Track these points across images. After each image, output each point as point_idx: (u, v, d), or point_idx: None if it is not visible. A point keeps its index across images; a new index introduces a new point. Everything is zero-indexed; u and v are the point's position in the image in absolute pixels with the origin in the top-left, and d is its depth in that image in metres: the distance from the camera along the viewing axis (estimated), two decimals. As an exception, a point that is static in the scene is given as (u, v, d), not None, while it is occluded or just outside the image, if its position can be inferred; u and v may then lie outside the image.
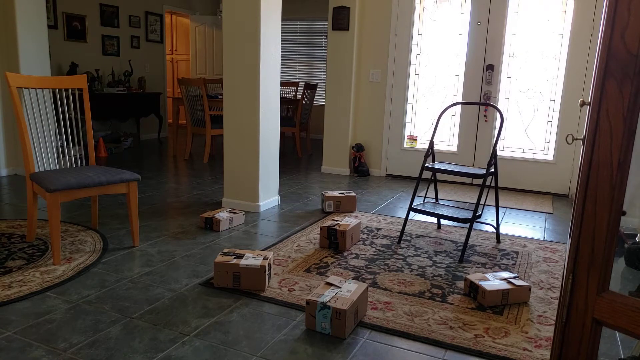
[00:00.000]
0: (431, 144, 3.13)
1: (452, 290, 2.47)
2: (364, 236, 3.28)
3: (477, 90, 4.95)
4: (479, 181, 5.08)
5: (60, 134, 5.89)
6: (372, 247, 3.08)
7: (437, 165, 3.13)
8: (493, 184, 4.93)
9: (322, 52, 8.29)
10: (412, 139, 5.32)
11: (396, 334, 2.02)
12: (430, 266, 2.79)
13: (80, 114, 5.34)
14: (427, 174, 5.20)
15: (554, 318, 2.20)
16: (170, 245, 2.98)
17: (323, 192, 3.92)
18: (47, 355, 1.78)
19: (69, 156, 5.82)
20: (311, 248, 3.01)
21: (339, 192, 3.96)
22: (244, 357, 1.83)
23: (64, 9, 6.25)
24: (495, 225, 3.42)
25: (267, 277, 2.39)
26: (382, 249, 3.05)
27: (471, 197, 4.58)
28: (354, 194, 3.90)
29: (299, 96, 8.22)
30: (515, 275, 2.48)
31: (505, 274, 2.47)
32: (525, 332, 2.08)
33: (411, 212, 3.91)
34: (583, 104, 1.35)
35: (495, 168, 3.09)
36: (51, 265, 2.58)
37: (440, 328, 2.08)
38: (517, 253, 3.08)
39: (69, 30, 6.34)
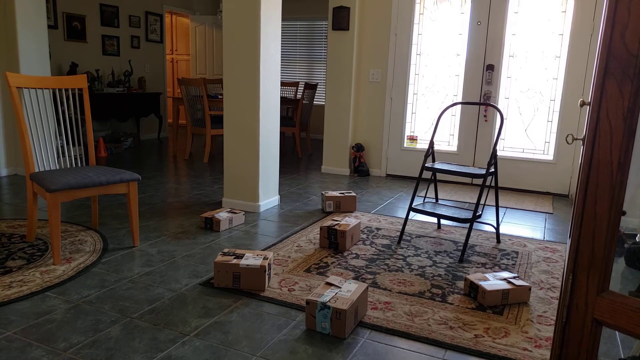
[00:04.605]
0: (431, 144, 3.13)
1: (452, 290, 2.47)
2: (364, 236, 3.28)
3: (477, 90, 4.95)
4: (479, 181, 5.08)
5: (60, 134, 5.89)
6: (372, 247, 3.08)
7: (437, 165, 3.13)
8: (493, 184, 4.93)
9: (322, 52, 8.29)
10: (412, 139, 5.32)
11: (396, 334, 2.02)
12: (430, 266, 2.79)
13: (80, 114, 5.34)
14: (427, 174, 5.20)
15: (554, 318, 2.20)
16: (170, 245, 2.98)
17: (323, 192, 3.92)
18: (47, 355, 1.78)
19: (69, 156, 5.81)
20: (311, 248, 3.01)
21: (339, 192, 3.96)
22: (244, 357, 1.83)
23: (64, 9, 6.25)
24: (495, 225, 3.42)
25: (267, 277, 2.39)
26: (382, 249, 3.05)
27: (471, 197, 4.58)
28: (354, 194, 3.90)
29: (299, 96, 8.22)
30: (515, 275, 2.48)
31: (505, 274, 2.47)
32: (525, 332, 2.08)
33: (411, 212, 3.91)
34: (583, 104, 1.35)
35: (495, 168, 3.09)
36: (51, 265, 2.58)
37: (440, 328, 2.08)
38: (517, 253, 3.08)
39: (69, 30, 6.33)
